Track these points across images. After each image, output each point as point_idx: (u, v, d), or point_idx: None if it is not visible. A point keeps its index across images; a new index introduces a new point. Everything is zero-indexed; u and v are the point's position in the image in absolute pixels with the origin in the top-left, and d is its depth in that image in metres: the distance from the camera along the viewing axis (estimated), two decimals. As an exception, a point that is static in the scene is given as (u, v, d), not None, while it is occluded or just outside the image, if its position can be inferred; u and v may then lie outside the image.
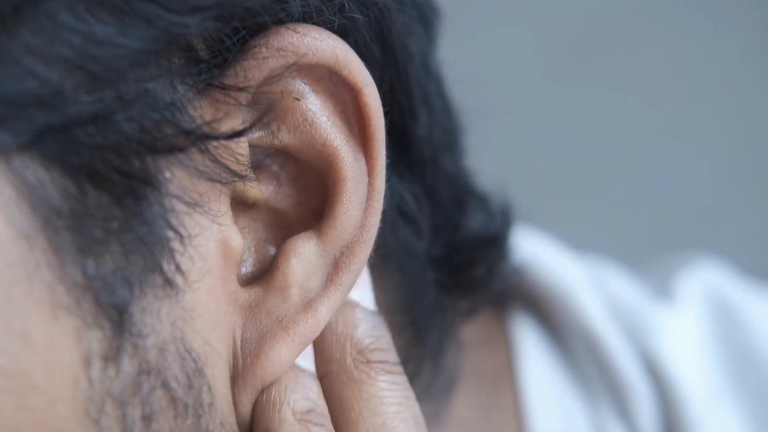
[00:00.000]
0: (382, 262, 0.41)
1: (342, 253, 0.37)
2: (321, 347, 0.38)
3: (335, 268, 0.37)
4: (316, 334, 0.37)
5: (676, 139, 1.20)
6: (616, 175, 1.20)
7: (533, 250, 0.53)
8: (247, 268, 0.38)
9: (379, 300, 0.42)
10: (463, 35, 0.46)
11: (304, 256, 0.37)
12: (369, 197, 0.37)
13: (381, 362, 0.38)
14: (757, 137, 1.21)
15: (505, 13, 1.18)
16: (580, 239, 0.62)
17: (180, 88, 0.35)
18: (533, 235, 0.54)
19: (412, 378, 0.42)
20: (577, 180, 1.21)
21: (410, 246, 0.43)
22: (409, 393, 0.39)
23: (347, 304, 0.39)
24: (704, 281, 0.54)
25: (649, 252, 0.71)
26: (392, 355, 0.39)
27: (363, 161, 0.37)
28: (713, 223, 1.18)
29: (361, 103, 0.36)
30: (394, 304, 0.43)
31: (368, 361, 0.38)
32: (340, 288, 0.37)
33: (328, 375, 0.38)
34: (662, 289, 0.54)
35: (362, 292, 0.39)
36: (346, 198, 0.36)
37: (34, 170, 0.33)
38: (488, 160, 0.50)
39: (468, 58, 0.50)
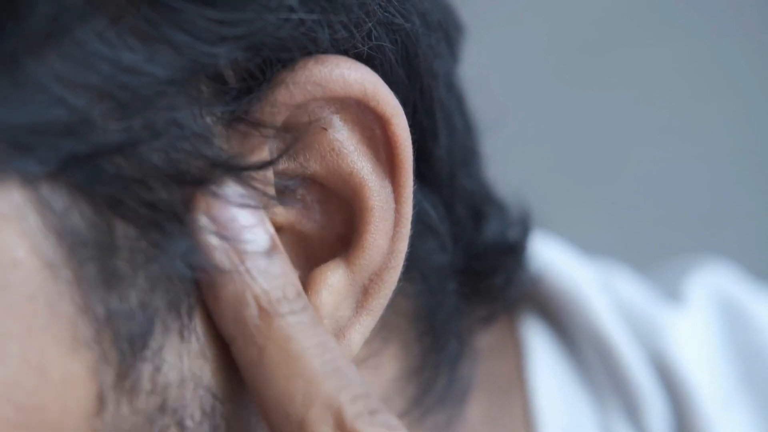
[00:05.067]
0: (406, 270, 0.40)
1: (371, 280, 0.37)
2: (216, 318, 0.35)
3: (365, 295, 0.37)
4: (349, 359, 0.36)
5: (687, 140, 1.19)
6: (626, 176, 1.20)
7: (541, 253, 0.53)
8: None
9: (401, 306, 0.42)
10: (474, 36, 0.46)
11: (334, 287, 0.36)
12: (396, 224, 0.37)
13: (291, 312, 0.34)
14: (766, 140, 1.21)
15: (515, 13, 1.17)
16: (588, 240, 0.62)
17: (208, 119, 0.34)
18: (542, 237, 0.54)
19: (428, 386, 0.42)
20: (587, 181, 1.20)
21: (434, 257, 0.43)
22: (319, 331, 0.35)
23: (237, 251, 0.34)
24: (713, 283, 0.54)
25: (657, 253, 0.71)
26: (298, 296, 0.35)
27: (390, 188, 0.37)
28: (719, 225, 1.18)
29: (389, 132, 0.36)
30: (415, 311, 0.43)
31: (275, 316, 0.34)
32: (371, 313, 0.37)
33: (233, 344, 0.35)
34: (671, 292, 0.54)
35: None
36: (374, 227, 0.36)
37: (61, 199, 0.32)
38: (498, 160, 0.50)
39: (479, 58, 0.50)
